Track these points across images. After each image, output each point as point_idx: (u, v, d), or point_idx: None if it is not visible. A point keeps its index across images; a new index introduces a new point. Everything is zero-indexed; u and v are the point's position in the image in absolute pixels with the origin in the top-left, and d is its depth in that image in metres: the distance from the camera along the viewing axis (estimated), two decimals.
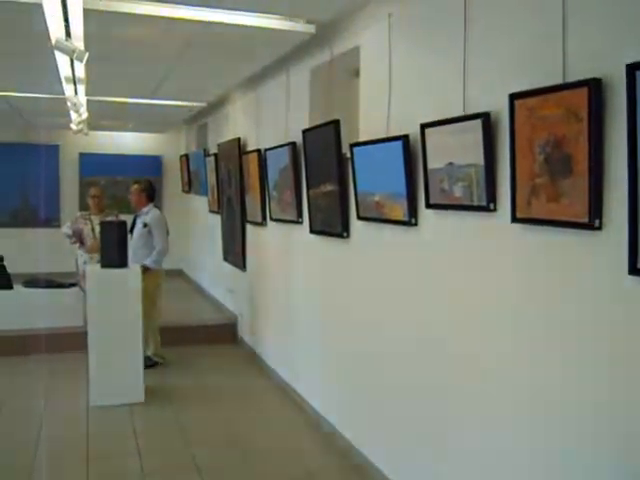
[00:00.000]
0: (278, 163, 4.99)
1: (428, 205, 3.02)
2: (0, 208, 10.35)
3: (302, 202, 4.71)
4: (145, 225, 5.87)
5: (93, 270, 5.22)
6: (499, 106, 2.52)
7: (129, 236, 5.47)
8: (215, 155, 7.29)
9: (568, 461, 2.30)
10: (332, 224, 4.11)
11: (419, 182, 3.12)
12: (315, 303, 4.63)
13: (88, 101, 6.48)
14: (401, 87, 3.36)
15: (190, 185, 9.50)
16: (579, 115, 2.10)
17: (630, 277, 1.97)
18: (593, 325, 2.16)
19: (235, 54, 4.82)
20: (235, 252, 6.82)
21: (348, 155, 3.75)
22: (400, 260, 3.41)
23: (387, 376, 3.57)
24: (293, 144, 4.69)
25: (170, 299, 7.11)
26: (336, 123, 3.90)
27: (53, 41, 3.55)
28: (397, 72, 3.38)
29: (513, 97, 2.38)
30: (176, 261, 9.16)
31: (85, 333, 5.02)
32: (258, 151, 5.53)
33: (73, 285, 6.97)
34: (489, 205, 2.61)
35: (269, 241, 5.73)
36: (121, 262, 5.10)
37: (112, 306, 4.95)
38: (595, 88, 2.05)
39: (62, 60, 4.53)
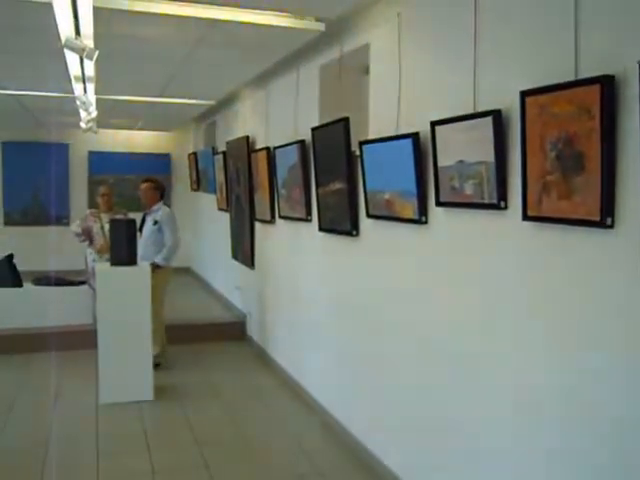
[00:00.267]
0: (287, 161, 4.99)
1: (438, 203, 3.01)
2: (11, 206, 10.44)
3: (311, 200, 4.70)
4: (155, 222, 5.87)
5: (102, 268, 5.24)
6: (510, 103, 2.50)
7: (138, 234, 5.48)
8: (224, 153, 7.29)
9: (568, 461, 2.28)
10: (341, 222, 4.11)
11: (429, 180, 3.11)
12: (324, 301, 4.63)
13: (97, 100, 6.51)
14: (411, 84, 3.34)
15: (199, 183, 9.51)
16: (591, 112, 2.08)
17: None
18: (606, 325, 2.14)
19: (245, 52, 4.82)
20: (244, 250, 6.82)
21: (357, 153, 3.74)
22: (410, 258, 3.40)
23: (393, 375, 3.56)
24: (302, 142, 4.69)
25: (179, 297, 7.14)
26: (345, 121, 3.89)
27: (63, 40, 3.57)
28: (407, 69, 3.37)
29: (524, 94, 2.36)
30: (184, 259, 9.17)
31: (95, 331, 5.04)
32: (267, 149, 5.53)
33: (83, 283, 6.99)
34: (500, 203, 2.59)
35: (278, 239, 5.73)
36: (130, 260, 5.13)
37: (122, 304, 4.97)
38: (607, 85, 2.03)
39: (72, 59, 4.55)
